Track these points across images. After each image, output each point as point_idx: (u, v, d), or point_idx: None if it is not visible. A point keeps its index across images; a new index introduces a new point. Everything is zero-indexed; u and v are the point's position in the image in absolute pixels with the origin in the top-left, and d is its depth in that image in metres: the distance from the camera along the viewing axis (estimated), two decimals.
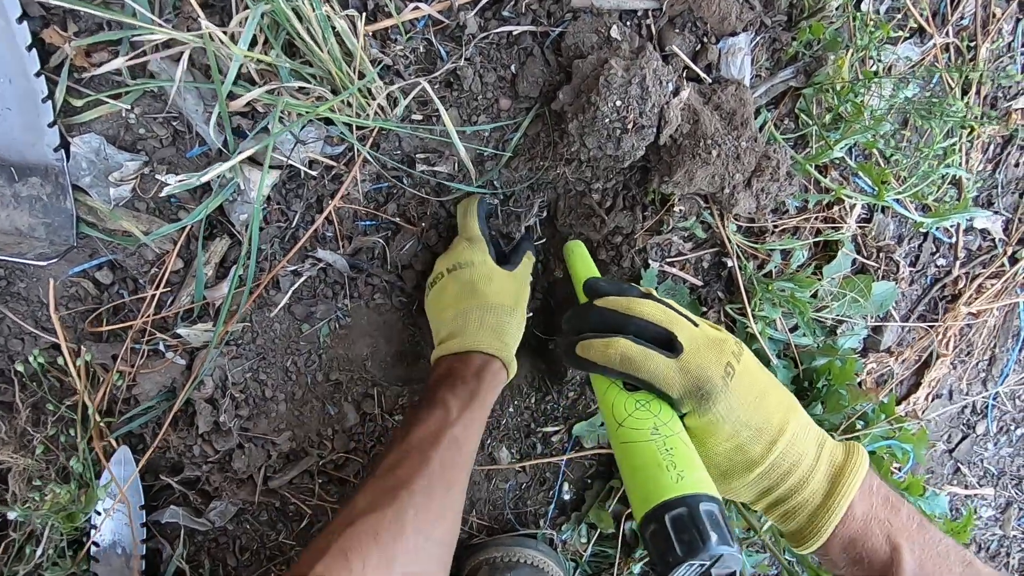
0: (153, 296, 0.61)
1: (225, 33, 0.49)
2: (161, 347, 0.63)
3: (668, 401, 0.48)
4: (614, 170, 0.68)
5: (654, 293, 0.54)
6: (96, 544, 0.67)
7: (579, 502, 0.81)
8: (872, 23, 0.69)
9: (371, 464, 0.73)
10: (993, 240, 0.86)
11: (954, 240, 0.84)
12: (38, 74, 0.51)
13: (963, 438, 0.95)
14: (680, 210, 0.70)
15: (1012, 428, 0.97)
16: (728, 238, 0.72)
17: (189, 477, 0.67)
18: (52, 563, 0.64)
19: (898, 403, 0.90)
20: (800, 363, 0.78)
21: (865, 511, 0.45)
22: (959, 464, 0.96)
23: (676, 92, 0.61)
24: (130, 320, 0.61)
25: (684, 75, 0.66)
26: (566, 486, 0.80)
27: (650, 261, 0.73)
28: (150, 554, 0.70)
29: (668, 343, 0.48)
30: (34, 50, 0.51)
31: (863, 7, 0.72)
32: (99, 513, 0.65)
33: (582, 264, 0.64)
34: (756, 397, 0.47)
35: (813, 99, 0.71)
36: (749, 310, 0.72)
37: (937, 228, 0.83)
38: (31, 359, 0.59)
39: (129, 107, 0.56)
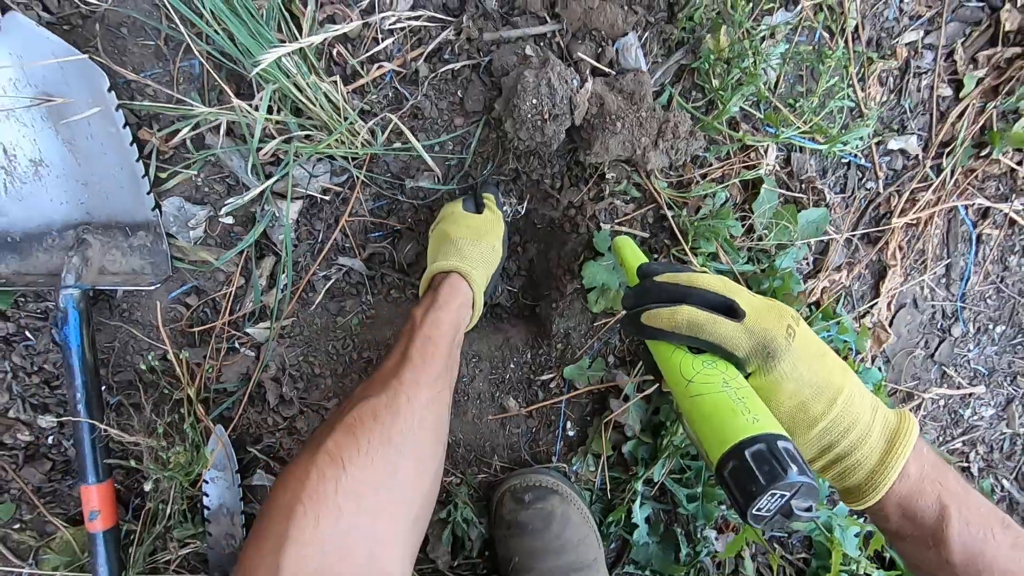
0: (226, 306, 0.83)
1: (250, 106, 0.72)
2: (236, 344, 0.85)
3: (734, 362, 0.51)
4: (551, 154, 0.87)
5: (707, 270, 0.62)
6: (207, 508, 0.87)
7: (583, 437, 0.95)
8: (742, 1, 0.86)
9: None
10: (917, 158, 0.97)
11: (872, 165, 0.96)
12: (137, 160, 0.76)
13: (940, 342, 1.02)
14: (612, 176, 0.87)
15: (990, 327, 1.03)
16: (657, 191, 0.88)
17: (268, 445, 0.87)
18: (179, 522, 0.85)
19: (862, 316, 0.99)
20: (750, 287, 0.90)
21: (918, 471, 0.48)
22: (943, 367, 1.03)
23: (582, 84, 0.79)
24: (211, 324, 0.83)
25: (592, 72, 0.84)
26: (568, 424, 0.94)
27: (601, 224, 0.90)
28: (249, 515, 0.89)
29: (728, 311, 0.52)
30: (134, 144, 0.76)
31: None
32: (207, 482, 0.86)
33: (632, 254, 0.71)
34: (815, 358, 0.50)
35: (707, 71, 0.88)
36: (687, 248, 0.87)
37: (856, 156, 0.95)
38: (148, 362, 0.81)
39: (196, 173, 0.80)
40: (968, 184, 0.97)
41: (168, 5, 0.69)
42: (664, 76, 0.87)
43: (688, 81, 0.89)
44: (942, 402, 1.04)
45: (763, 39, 0.88)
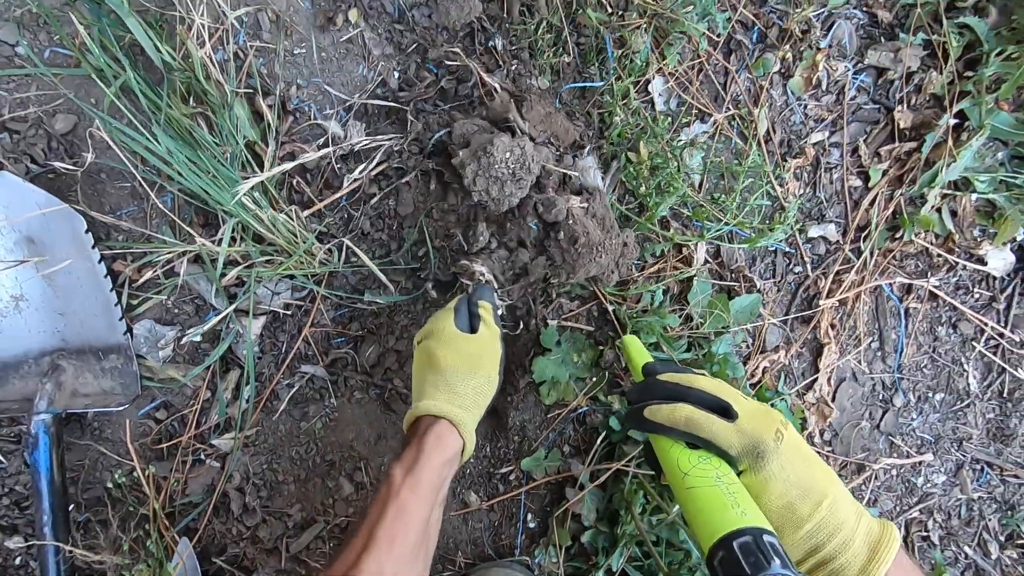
0: (192, 420, 0.88)
1: (212, 240, 0.79)
2: (202, 456, 0.88)
3: (727, 459, 0.55)
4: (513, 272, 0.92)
5: (707, 373, 0.66)
6: None
7: (544, 528, 0.97)
8: (661, 117, 0.97)
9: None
10: (838, 243, 1.05)
11: (797, 251, 1.04)
12: (111, 290, 0.83)
13: (884, 413, 1.07)
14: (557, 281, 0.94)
15: (930, 395, 1.08)
16: (602, 292, 0.95)
17: (232, 555, 0.89)
18: None
19: (805, 392, 1.04)
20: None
21: None
22: (890, 437, 1.07)
23: (574, 193, 0.86)
24: (178, 438, 0.87)
25: (563, 186, 0.90)
26: (529, 516, 0.96)
27: (548, 321, 0.96)
28: None
29: (723, 411, 0.56)
30: (108, 276, 0.83)
31: (658, 107, 1.00)
32: None
33: (637, 352, 0.75)
34: (802, 461, 0.54)
35: (634, 178, 0.97)
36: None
37: (782, 244, 1.03)
38: (116, 479, 0.85)
39: (166, 298, 0.86)
40: (888, 263, 1.05)
41: (140, 155, 0.78)
42: (610, 187, 0.96)
43: (621, 188, 0.98)
44: (894, 471, 1.07)
45: (684, 148, 0.98)
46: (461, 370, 0.66)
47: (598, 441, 0.93)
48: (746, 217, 0.98)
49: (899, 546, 0.51)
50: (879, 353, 1.07)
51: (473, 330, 0.72)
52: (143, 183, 0.82)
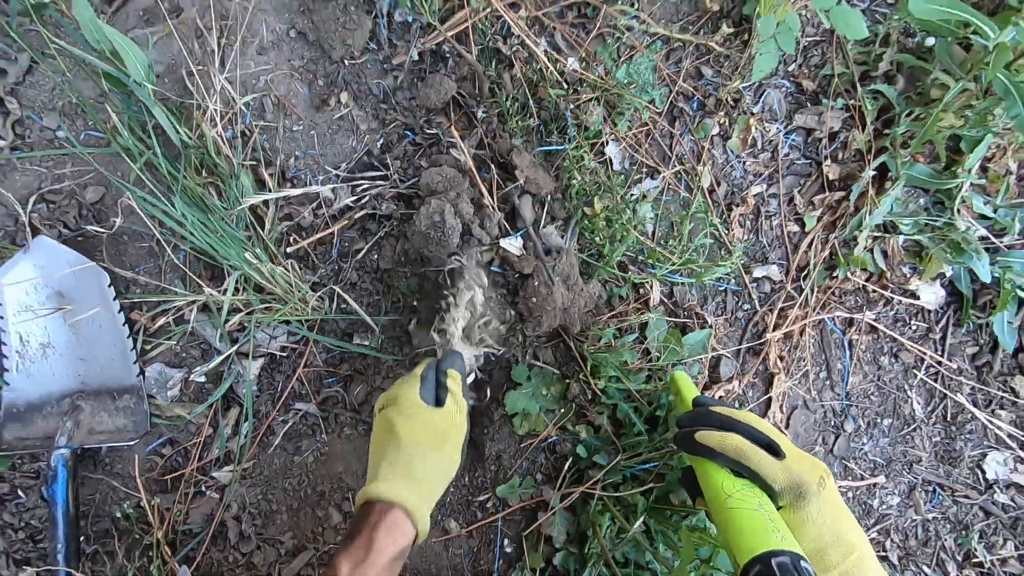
0: (195, 454, 0.97)
1: (218, 290, 0.91)
2: (203, 488, 0.96)
3: (768, 492, 0.59)
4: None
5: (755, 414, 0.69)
6: None
7: (521, 552, 1.03)
8: (615, 175, 1.10)
9: None
10: (781, 282, 1.17)
11: (744, 290, 1.15)
12: (128, 336, 0.94)
13: (836, 438, 1.15)
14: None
15: (879, 421, 1.16)
16: (567, 335, 1.05)
17: None
18: None
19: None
20: (650, 403, 1.05)
21: None
22: (844, 461, 1.14)
23: (546, 253, 0.98)
24: (182, 471, 0.96)
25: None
26: (506, 541, 1.03)
27: (517, 359, 1.06)
28: None
29: (770, 449, 0.60)
30: (126, 325, 0.94)
31: (614, 166, 1.14)
32: None
33: (687, 386, 0.87)
34: (839, 512, 0.58)
35: (591, 230, 1.09)
36: (588, 375, 1.03)
37: (730, 283, 1.15)
38: (124, 510, 0.93)
39: (175, 343, 0.97)
40: (828, 299, 1.16)
41: (158, 218, 0.91)
42: (570, 239, 1.08)
43: (582, 239, 1.10)
44: (850, 494, 1.14)
45: (636, 201, 1.11)
46: (422, 447, 0.61)
47: (566, 467, 1.01)
48: (692, 255, 1.10)
49: None
50: (827, 382, 1.16)
51: (439, 402, 0.67)
52: (160, 242, 0.94)
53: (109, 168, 0.97)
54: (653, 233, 1.13)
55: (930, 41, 1.10)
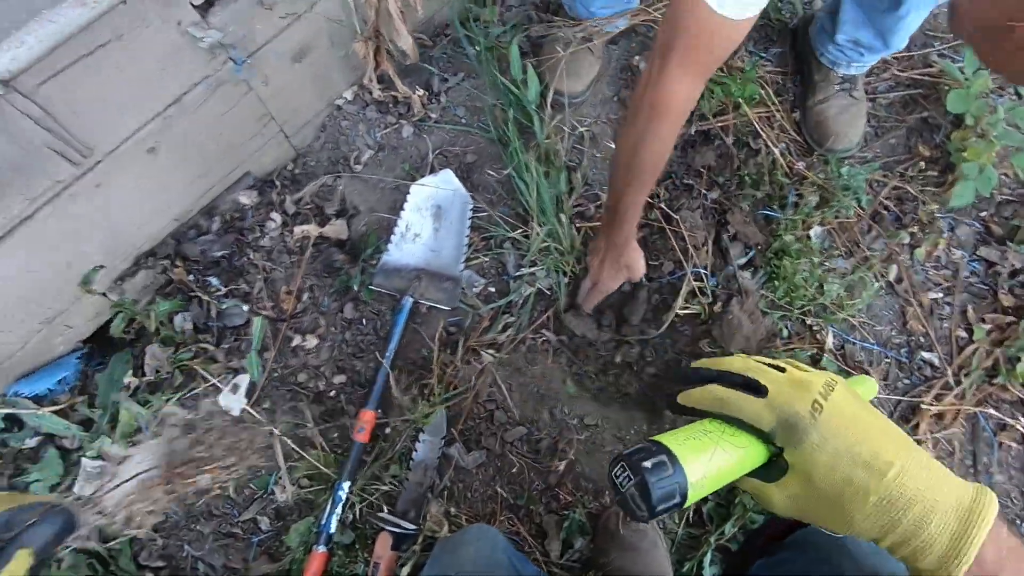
0: (476, 334, 1.39)
1: (522, 234, 1.38)
2: (470, 360, 1.38)
3: (762, 438, 0.52)
4: None
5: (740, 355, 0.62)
6: (412, 460, 1.30)
7: None
8: (816, 250, 1.44)
9: None
10: (941, 370, 1.38)
11: (910, 363, 1.39)
12: (465, 245, 1.42)
13: None
14: None
15: (1018, 523, 1.28)
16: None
17: (468, 427, 1.33)
18: (396, 462, 1.29)
19: None
20: None
21: (995, 557, 0.44)
22: None
23: (736, 293, 1.37)
24: (466, 343, 1.38)
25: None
26: None
27: None
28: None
29: (754, 389, 0.53)
30: (467, 238, 1.43)
31: (812, 241, 1.48)
32: (419, 441, 1.31)
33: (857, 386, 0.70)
34: (855, 430, 0.48)
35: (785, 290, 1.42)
36: None
37: (896, 353, 1.39)
38: (423, 353, 1.36)
39: (488, 259, 1.44)
40: (984, 397, 1.35)
41: (512, 179, 1.42)
42: (758, 285, 1.43)
43: (770, 285, 1.44)
44: None
45: (827, 271, 1.44)
46: None
47: None
48: (859, 313, 1.37)
49: (995, 515, 0.45)
50: (971, 469, 1.32)
51: None
52: (501, 194, 1.45)
53: (484, 145, 1.52)
54: (838, 296, 1.43)
55: None
